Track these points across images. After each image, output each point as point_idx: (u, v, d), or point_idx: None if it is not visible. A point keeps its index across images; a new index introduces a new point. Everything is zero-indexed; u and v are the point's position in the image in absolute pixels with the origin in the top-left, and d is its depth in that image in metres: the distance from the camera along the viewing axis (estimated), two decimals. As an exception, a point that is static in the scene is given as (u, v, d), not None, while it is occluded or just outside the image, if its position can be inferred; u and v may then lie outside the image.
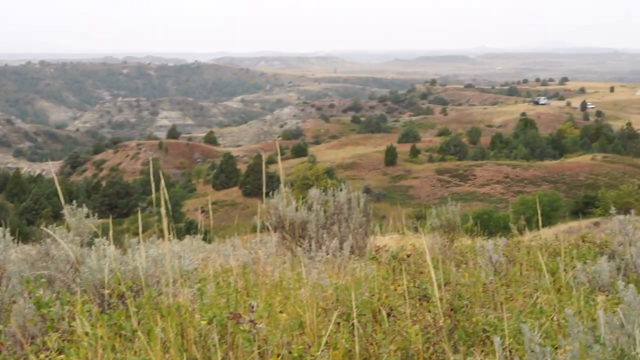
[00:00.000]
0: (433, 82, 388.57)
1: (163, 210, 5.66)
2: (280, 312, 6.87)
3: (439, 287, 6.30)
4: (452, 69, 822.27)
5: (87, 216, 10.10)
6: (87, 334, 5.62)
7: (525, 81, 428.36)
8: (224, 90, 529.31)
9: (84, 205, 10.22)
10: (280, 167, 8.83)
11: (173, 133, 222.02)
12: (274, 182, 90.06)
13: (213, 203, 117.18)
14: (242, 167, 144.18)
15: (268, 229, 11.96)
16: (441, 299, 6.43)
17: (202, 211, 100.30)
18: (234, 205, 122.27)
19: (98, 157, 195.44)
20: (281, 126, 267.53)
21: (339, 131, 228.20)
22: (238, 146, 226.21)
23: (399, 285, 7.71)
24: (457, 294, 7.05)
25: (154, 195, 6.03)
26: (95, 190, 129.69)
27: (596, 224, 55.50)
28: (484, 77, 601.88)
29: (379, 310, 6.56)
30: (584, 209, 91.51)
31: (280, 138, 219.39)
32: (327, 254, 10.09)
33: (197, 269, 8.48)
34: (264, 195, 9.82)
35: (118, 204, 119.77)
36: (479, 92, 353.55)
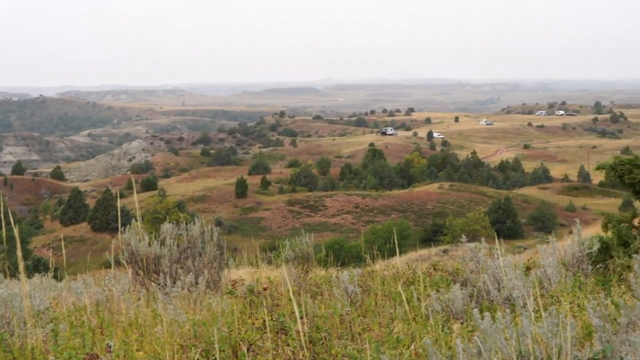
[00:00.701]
0: (282, 114, 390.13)
1: (19, 252, 5.50)
2: (138, 350, 6.73)
3: (299, 319, 6.28)
4: (301, 100, 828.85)
5: None
6: None
7: (372, 112, 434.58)
8: (71, 125, 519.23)
9: None
10: (136, 201, 8.71)
11: (18, 169, 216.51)
12: (123, 216, 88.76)
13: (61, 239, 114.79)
14: (91, 202, 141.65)
15: (121, 264, 11.75)
16: (300, 332, 6.41)
17: (50, 248, 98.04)
18: (83, 241, 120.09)
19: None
20: (130, 160, 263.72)
21: (188, 164, 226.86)
22: (86, 181, 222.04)
23: (256, 319, 7.67)
24: (315, 326, 7.05)
25: (4, 232, 5.86)
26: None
27: (445, 251, 56.67)
28: (332, 109, 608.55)
29: (239, 345, 6.51)
30: (432, 236, 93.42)
31: (129, 172, 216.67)
32: (183, 289, 9.98)
33: (49, 308, 8.26)
34: (119, 231, 9.65)
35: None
36: (328, 123, 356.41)
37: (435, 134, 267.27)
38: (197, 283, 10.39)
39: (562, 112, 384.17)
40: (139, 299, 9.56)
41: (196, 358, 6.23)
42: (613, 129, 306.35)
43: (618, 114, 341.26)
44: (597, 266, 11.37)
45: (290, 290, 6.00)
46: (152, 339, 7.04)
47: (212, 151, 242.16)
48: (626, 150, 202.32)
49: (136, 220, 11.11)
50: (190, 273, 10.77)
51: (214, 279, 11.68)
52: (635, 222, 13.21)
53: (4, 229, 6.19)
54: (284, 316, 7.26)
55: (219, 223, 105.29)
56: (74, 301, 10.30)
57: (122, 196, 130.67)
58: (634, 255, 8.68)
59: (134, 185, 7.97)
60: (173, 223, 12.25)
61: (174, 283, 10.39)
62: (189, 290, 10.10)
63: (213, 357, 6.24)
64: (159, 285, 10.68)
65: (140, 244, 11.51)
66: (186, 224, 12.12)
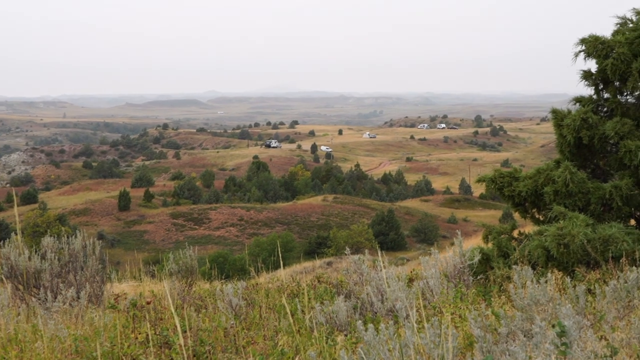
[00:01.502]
0: (165, 126, 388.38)
1: None
2: (17, 367, 6.60)
3: (182, 333, 6.24)
4: (184, 113, 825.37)
5: None
6: None
7: (256, 125, 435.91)
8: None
9: None
10: (16, 215, 8.55)
11: None
12: (2, 230, 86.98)
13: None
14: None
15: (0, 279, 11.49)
16: (183, 346, 6.36)
17: None
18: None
19: None
20: (9, 173, 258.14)
21: (70, 177, 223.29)
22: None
23: (139, 333, 7.59)
24: (199, 340, 7.00)
25: None
26: None
27: (329, 263, 56.90)
28: (216, 121, 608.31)
29: (121, 359, 6.43)
30: (317, 249, 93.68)
31: (8, 185, 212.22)
32: (64, 304, 9.81)
33: None
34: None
35: None
36: (212, 135, 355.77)
37: (323, 147, 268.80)
38: (78, 297, 10.23)
39: (443, 125, 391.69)
40: (19, 314, 9.36)
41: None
42: (493, 142, 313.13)
43: (498, 127, 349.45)
44: (478, 277, 11.57)
45: (172, 304, 5.96)
46: (32, 355, 6.91)
47: (94, 164, 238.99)
48: (506, 162, 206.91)
49: (16, 234, 10.90)
50: (72, 287, 10.59)
51: (96, 293, 11.51)
52: (515, 233, 13.49)
53: None
54: (168, 330, 7.20)
55: (101, 236, 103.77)
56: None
57: (1, 209, 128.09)
58: (514, 266, 8.87)
59: (14, 198, 7.86)
60: (54, 237, 12.04)
61: (55, 298, 10.20)
62: (70, 304, 9.93)
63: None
64: (39, 300, 10.47)
65: (20, 258, 11.28)
66: (68, 237, 11.92)
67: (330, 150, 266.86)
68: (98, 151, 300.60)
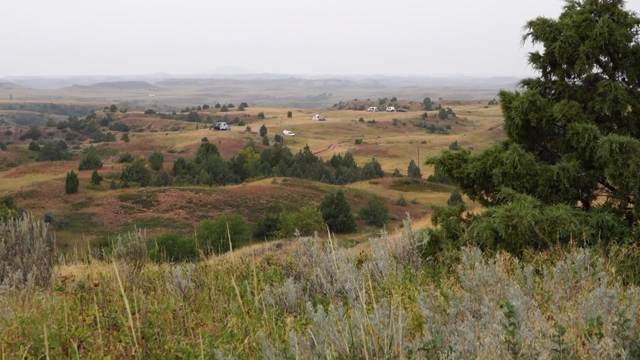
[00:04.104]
0: (113, 108, 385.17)
1: None
2: (-37, 350, 6.50)
3: (131, 315, 6.18)
4: (132, 94, 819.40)
5: None
6: None
7: (205, 107, 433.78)
8: None
9: None
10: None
11: None
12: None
13: None
14: None
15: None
16: (132, 328, 6.31)
17: None
18: None
19: None
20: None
21: (17, 159, 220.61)
22: None
23: (87, 316, 7.52)
24: (147, 322, 6.96)
25: None
26: None
27: (279, 245, 56.92)
28: (165, 103, 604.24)
29: (69, 342, 6.37)
30: (266, 231, 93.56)
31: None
32: (10, 286, 9.71)
33: None
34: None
35: None
36: (160, 117, 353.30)
37: (286, 132, 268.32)
38: (25, 280, 10.14)
39: (392, 108, 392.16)
40: (-36, 297, 9.24)
41: (25, 356, 6.07)
42: (442, 124, 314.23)
43: (446, 110, 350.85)
44: (427, 258, 11.62)
45: (122, 286, 5.91)
46: (-22, 338, 6.82)
47: (41, 146, 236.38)
48: (454, 145, 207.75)
49: (-39, 216, 10.76)
50: (19, 269, 10.50)
51: (43, 275, 11.42)
52: (463, 215, 13.56)
53: None
54: (116, 312, 7.15)
55: (48, 219, 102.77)
56: None
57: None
58: (462, 248, 8.91)
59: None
60: (0, 219, 11.92)
61: (2, 280, 10.11)
62: (17, 287, 9.84)
63: (42, 355, 6.09)
64: (-15, 282, 10.36)
65: (-35, 241, 11.15)
66: (14, 219, 11.80)
67: (293, 134, 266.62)
68: (45, 133, 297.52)
